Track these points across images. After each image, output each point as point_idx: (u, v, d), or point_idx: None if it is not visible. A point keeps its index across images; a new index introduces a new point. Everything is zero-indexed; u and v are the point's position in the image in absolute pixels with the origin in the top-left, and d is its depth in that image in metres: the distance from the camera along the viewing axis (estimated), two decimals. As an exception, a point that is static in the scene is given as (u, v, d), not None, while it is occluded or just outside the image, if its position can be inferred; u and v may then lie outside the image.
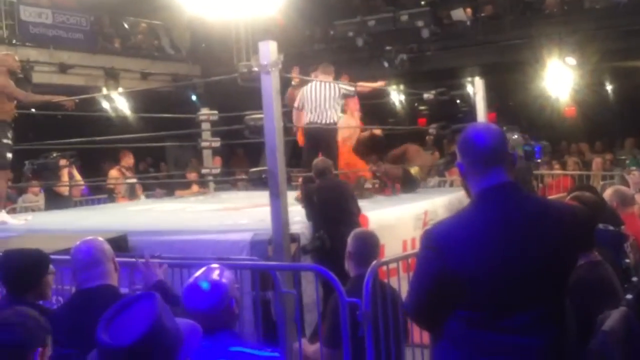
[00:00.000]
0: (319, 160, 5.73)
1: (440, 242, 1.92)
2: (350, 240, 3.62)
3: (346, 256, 3.58)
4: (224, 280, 2.23)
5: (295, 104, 6.89)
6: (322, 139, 6.56)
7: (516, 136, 6.75)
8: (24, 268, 2.80)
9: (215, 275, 2.23)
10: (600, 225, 2.91)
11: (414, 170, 8.08)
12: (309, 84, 6.64)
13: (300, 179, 6.24)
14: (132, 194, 9.35)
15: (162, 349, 1.60)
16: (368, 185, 7.52)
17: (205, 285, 2.20)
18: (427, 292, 1.92)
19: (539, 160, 8.33)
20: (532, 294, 1.88)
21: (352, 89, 7.04)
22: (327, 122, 6.63)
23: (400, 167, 8.28)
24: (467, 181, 2.05)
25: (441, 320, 1.90)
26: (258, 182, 5.13)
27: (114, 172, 9.37)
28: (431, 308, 1.92)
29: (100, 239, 2.84)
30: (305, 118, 6.61)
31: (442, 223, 2.02)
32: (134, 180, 9.49)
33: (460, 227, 1.95)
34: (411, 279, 2.04)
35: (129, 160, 9.39)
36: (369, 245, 3.60)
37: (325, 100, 6.63)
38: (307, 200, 5.42)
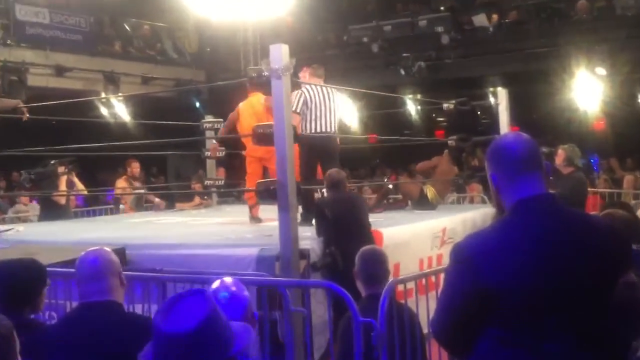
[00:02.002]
0: (334, 171, 5.71)
1: (472, 255, 1.90)
2: (357, 259, 3.61)
3: (354, 275, 3.58)
4: (245, 293, 2.24)
5: (294, 107, 6.83)
6: (327, 150, 6.50)
7: (570, 147, 6.56)
8: (21, 281, 2.76)
9: (232, 286, 2.24)
10: (634, 246, 2.89)
11: (430, 192, 8.08)
12: (315, 88, 6.57)
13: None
14: (138, 206, 9.38)
15: (218, 339, 1.76)
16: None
17: (224, 294, 2.20)
18: (456, 309, 1.90)
19: (596, 174, 8.30)
20: (571, 314, 1.85)
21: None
22: (333, 131, 6.61)
23: (419, 184, 8.29)
24: (500, 193, 2.03)
25: (471, 340, 1.88)
26: (265, 195, 5.11)
27: (121, 182, 9.41)
28: (461, 327, 1.90)
29: (107, 249, 2.80)
30: (307, 125, 6.47)
31: (474, 235, 2.00)
32: (141, 191, 9.52)
33: (494, 239, 1.93)
34: (439, 296, 2.02)
35: (135, 168, 9.44)
36: (377, 263, 3.60)
37: (332, 109, 6.61)
38: (318, 214, 5.41)
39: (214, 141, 7.84)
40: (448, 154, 8.54)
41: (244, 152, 7.19)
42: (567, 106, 13.19)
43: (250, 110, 6.96)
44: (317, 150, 6.37)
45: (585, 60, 12.00)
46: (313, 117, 6.45)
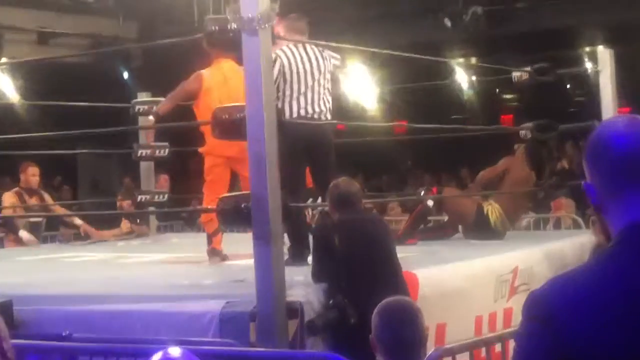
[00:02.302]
0: (343, 181, 5.72)
1: (555, 310, 1.92)
2: (375, 317, 3.62)
3: (372, 343, 3.59)
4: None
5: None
6: (317, 145, 6.54)
7: None
8: None
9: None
10: None
11: (493, 211, 8.12)
12: (296, 51, 6.58)
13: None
14: (35, 232, 9.37)
15: None
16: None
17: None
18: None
19: None
20: None
21: (338, 57, 7.04)
22: (326, 115, 6.64)
23: (475, 200, 8.31)
24: (603, 213, 2.03)
25: None
26: (233, 218, 5.14)
27: (9, 197, 9.42)
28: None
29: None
30: (284, 107, 6.47)
31: (559, 280, 2.01)
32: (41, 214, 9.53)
33: (587, 287, 1.94)
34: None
35: (32, 176, 9.46)
36: (406, 325, 3.58)
37: (319, 79, 6.64)
38: (318, 247, 5.42)
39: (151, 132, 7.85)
40: (523, 153, 8.57)
41: (201, 150, 7.19)
42: None
43: (221, 82, 6.98)
44: (302, 146, 6.40)
45: None
46: (294, 94, 6.52)
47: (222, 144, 6.28)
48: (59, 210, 10.09)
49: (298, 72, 6.53)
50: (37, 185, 9.59)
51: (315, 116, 6.53)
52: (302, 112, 6.50)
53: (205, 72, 7.07)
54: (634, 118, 2.12)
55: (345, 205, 5.57)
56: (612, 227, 2.02)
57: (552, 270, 6.72)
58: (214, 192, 6.75)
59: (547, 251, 7.26)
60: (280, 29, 6.62)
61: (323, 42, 7.06)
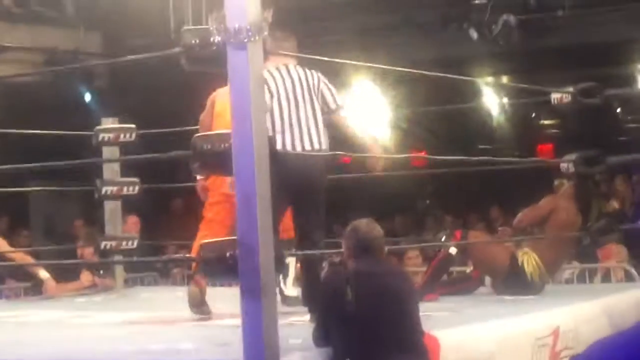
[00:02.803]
0: (364, 223, 5.71)
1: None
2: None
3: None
4: None
5: None
6: (306, 180, 6.59)
7: None
8: None
9: None
10: None
11: (529, 260, 8.14)
12: (282, 73, 6.64)
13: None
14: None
15: None
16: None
17: None
18: None
19: None
20: None
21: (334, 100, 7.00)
22: (323, 148, 6.68)
23: (507, 247, 8.32)
24: None
25: None
26: (217, 267, 5.13)
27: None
28: None
29: None
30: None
31: (609, 344, 2.02)
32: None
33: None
34: None
35: None
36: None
37: (315, 109, 6.68)
38: (326, 302, 5.41)
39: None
40: (571, 190, 8.59)
41: (202, 180, 7.29)
42: None
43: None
44: (289, 183, 6.38)
45: None
46: (278, 125, 6.56)
47: (225, 179, 6.43)
48: (20, 257, 9.97)
49: (283, 99, 6.58)
50: None
51: (302, 149, 6.55)
52: (288, 145, 6.52)
53: (218, 94, 7.13)
54: None
55: (365, 253, 5.55)
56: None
57: (601, 331, 6.70)
58: (212, 232, 6.81)
59: (595, 309, 7.23)
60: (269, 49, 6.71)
61: (325, 58, 7.05)
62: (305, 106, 6.63)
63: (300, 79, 6.66)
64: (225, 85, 6.81)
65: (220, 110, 7.04)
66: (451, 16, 13.43)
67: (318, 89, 6.75)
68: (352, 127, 7.02)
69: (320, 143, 6.65)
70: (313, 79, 6.73)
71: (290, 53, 6.67)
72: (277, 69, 6.63)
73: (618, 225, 9.18)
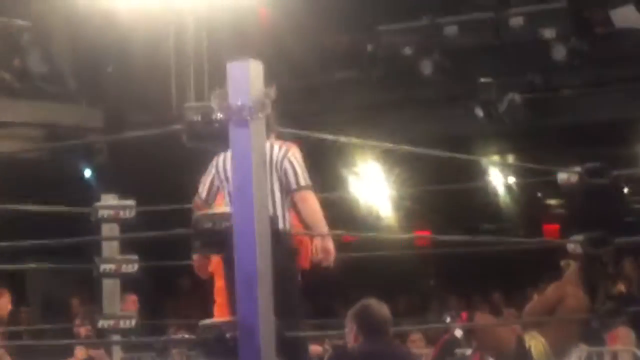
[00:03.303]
0: (375, 304, 5.68)
1: None
2: None
3: None
4: None
5: (201, 195, 6.90)
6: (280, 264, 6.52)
7: None
8: None
9: None
10: None
11: (536, 344, 8.13)
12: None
13: None
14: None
15: None
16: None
17: None
18: None
19: None
20: None
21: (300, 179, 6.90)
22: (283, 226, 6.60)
23: (513, 331, 8.27)
24: None
25: None
26: (216, 349, 5.04)
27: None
28: None
29: None
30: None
31: None
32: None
33: None
34: None
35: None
36: None
37: (280, 197, 6.65)
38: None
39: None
40: (577, 273, 8.53)
41: (199, 259, 7.20)
42: None
43: None
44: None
45: None
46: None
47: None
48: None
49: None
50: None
51: None
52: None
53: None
54: None
55: (375, 334, 5.52)
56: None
57: None
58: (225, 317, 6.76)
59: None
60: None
61: (327, 136, 7.00)
62: (273, 184, 6.55)
63: (272, 153, 6.56)
64: None
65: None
66: (456, 94, 13.46)
67: (281, 166, 6.66)
68: (310, 212, 6.81)
69: (284, 223, 6.59)
70: (279, 153, 6.64)
71: (292, 130, 6.64)
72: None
73: (626, 308, 9.10)
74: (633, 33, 13.20)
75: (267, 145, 6.61)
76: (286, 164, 6.68)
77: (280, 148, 6.68)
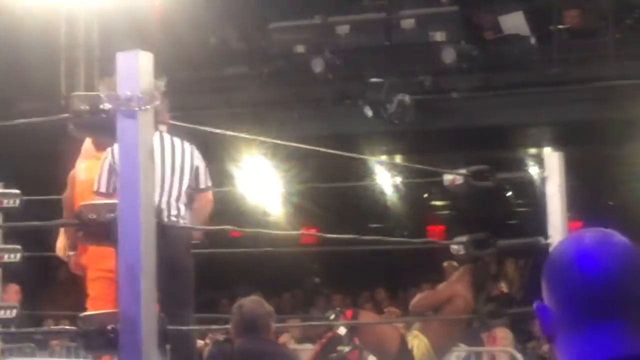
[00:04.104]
0: (250, 301, 5.69)
1: None
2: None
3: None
4: None
5: (99, 187, 6.74)
6: (168, 256, 6.53)
7: None
8: None
9: None
10: None
11: (419, 344, 8.18)
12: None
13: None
14: None
15: None
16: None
17: None
18: None
19: None
20: None
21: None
22: (176, 220, 6.59)
23: (397, 330, 8.30)
24: (557, 348, 2.03)
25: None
26: (96, 341, 5.00)
27: None
28: None
29: None
30: None
31: None
32: None
33: None
34: None
35: None
36: None
37: (175, 182, 6.62)
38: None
39: None
40: (468, 275, 8.71)
41: (75, 256, 7.18)
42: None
43: (89, 167, 7.00)
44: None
45: None
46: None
47: (104, 254, 6.18)
48: None
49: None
50: None
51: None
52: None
53: (78, 169, 7.04)
54: (606, 235, 2.10)
55: (249, 331, 5.52)
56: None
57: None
58: (99, 308, 6.69)
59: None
60: None
61: (217, 130, 7.00)
62: (173, 178, 6.57)
63: (174, 148, 6.59)
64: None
65: (81, 191, 6.95)
66: (346, 93, 13.52)
67: (192, 163, 6.70)
68: (205, 211, 6.98)
69: (181, 216, 6.57)
70: (186, 148, 6.67)
71: (182, 124, 6.61)
72: (160, 137, 6.50)
73: (507, 310, 9.22)
74: (521, 39, 13.40)
75: (166, 137, 6.64)
76: (198, 162, 6.74)
77: (182, 142, 6.68)
